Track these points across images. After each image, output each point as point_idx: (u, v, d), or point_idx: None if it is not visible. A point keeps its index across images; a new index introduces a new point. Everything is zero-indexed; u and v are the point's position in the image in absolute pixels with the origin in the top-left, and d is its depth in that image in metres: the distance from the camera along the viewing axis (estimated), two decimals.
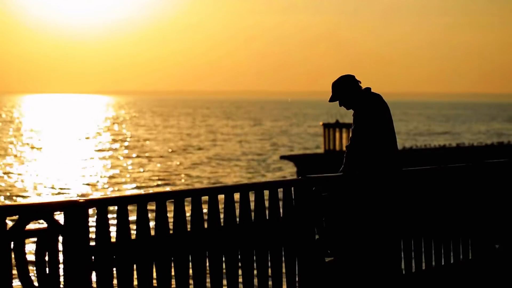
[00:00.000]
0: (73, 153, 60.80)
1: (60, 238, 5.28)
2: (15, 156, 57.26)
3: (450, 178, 8.05)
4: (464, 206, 8.16)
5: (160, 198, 5.85)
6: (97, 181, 41.66)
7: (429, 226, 7.77)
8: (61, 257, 5.28)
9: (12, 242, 5.06)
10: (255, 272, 6.43)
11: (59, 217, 5.31)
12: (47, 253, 5.20)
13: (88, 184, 40.06)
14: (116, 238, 5.58)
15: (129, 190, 38.32)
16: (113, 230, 5.54)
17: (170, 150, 64.29)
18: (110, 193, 36.66)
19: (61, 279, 5.28)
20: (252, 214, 6.47)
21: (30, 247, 5.32)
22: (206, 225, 6.13)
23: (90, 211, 5.42)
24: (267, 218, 6.56)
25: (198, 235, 6.03)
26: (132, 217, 5.57)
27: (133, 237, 5.66)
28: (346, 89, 7.30)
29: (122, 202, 5.62)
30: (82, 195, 34.72)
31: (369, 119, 7.19)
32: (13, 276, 5.08)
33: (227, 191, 6.29)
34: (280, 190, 6.69)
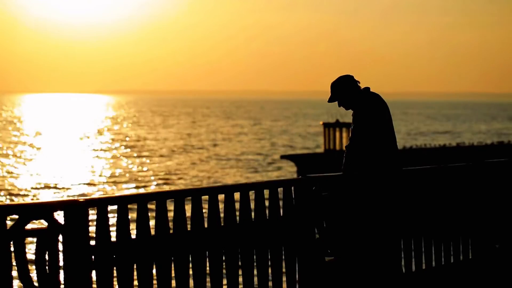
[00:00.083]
0: (73, 153, 60.80)
1: (60, 238, 5.28)
2: (15, 155, 57.25)
3: (450, 177, 8.05)
4: (464, 206, 8.16)
5: (160, 198, 5.85)
6: (97, 181, 41.66)
7: (429, 225, 7.77)
8: (61, 256, 5.27)
9: (12, 242, 5.06)
10: (255, 271, 6.43)
11: (59, 216, 5.30)
12: (47, 252, 5.20)
13: (88, 184, 40.06)
14: (116, 237, 5.58)
15: (129, 189, 38.32)
16: (113, 230, 5.54)
17: (170, 150, 64.29)
18: (109, 192, 36.65)
19: (61, 278, 5.28)
20: (252, 213, 6.47)
21: (30, 246, 5.33)
22: (206, 225, 6.13)
23: (90, 210, 5.42)
24: (267, 217, 6.56)
25: (198, 234, 6.03)
26: (132, 213, 5.57)
27: (133, 236, 5.66)
28: (345, 89, 7.30)
29: (122, 201, 5.62)
30: (82, 195, 34.71)
31: (368, 119, 7.19)
32: (13, 276, 5.08)
33: (227, 190, 6.29)
34: (280, 189, 6.69)
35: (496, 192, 8.52)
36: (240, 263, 6.34)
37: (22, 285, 5.09)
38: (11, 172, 44.89)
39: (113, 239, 5.56)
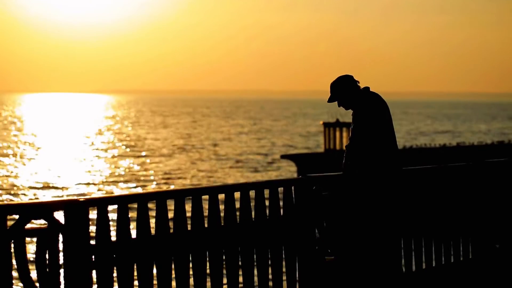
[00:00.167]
0: (73, 152, 60.80)
1: (61, 237, 5.28)
2: (15, 155, 57.25)
3: (450, 177, 8.05)
4: (464, 206, 8.16)
5: (160, 197, 5.85)
6: (97, 180, 41.66)
7: (429, 225, 7.77)
8: (61, 256, 5.27)
9: (13, 241, 5.06)
10: (255, 271, 6.43)
11: (59, 216, 5.30)
12: (47, 252, 5.20)
13: (88, 183, 40.06)
14: (117, 237, 5.58)
15: (129, 189, 38.32)
16: (113, 229, 5.54)
17: (170, 149, 64.29)
18: (109, 192, 36.65)
19: (62, 278, 5.27)
20: (253, 213, 6.47)
21: (30, 246, 5.33)
22: (206, 224, 6.13)
23: (90, 210, 5.42)
24: (268, 217, 6.56)
25: (199, 234, 6.03)
26: (133, 212, 5.57)
27: (134, 236, 5.66)
28: (344, 89, 7.30)
29: (122, 201, 5.62)
30: (82, 194, 34.71)
31: (368, 119, 7.18)
32: (14, 276, 5.07)
33: (228, 190, 6.29)
34: (281, 189, 6.69)
35: (496, 192, 8.52)
36: (240, 263, 6.34)
37: (22, 284, 5.09)
38: (11, 172, 44.88)
39: (113, 238, 5.56)
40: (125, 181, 41.29)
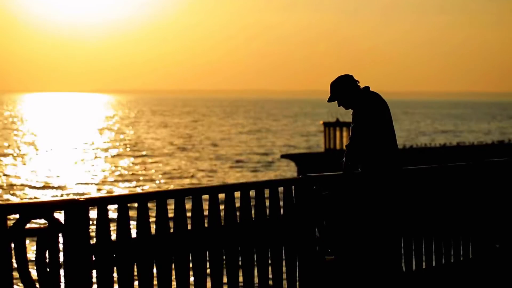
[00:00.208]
0: (73, 152, 60.79)
1: (61, 237, 5.28)
2: (16, 155, 57.25)
3: (450, 177, 8.05)
4: (464, 205, 8.16)
5: (160, 197, 5.85)
6: (97, 180, 41.66)
7: (429, 225, 7.77)
8: (61, 256, 5.27)
9: (13, 241, 5.06)
10: (256, 271, 6.43)
11: (60, 216, 5.31)
12: (47, 252, 5.20)
13: (88, 183, 40.06)
14: (117, 236, 5.58)
15: (129, 188, 38.31)
16: (113, 229, 5.54)
17: (170, 149, 64.29)
18: (109, 191, 36.65)
19: (62, 278, 5.28)
20: (253, 212, 6.47)
21: (30, 246, 5.33)
22: (206, 224, 6.13)
23: (90, 210, 5.42)
24: (268, 217, 6.56)
25: (199, 234, 6.03)
26: (133, 211, 5.57)
27: (134, 236, 5.66)
28: (344, 89, 7.29)
29: (122, 200, 5.62)
30: (82, 194, 34.71)
31: (368, 118, 7.18)
32: (14, 275, 5.07)
33: (228, 190, 6.29)
34: (281, 189, 6.69)
35: (496, 191, 8.52)
36: (240, 263, 6.34)
37: (22, 284, 5.09)
38: (12, 172, 44.89)
39: (114, 238, 5.56)
40: (125, 181, 41.30)
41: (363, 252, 7.11)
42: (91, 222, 5.38)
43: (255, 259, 6.43)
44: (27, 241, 5.16)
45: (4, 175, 43.00)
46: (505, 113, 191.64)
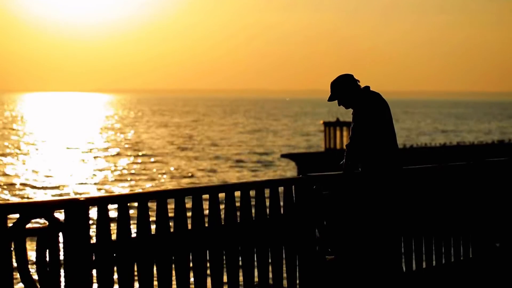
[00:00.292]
0: (73, 152, 60.80)
1: (61, 237, 5.28)
2: (16, 154, 57.25)
3: (450, 176, 8.05)
4: (464, 205, 8.16)
5: (160, 197, 5.85)
6: (98, 179, 41.66)
7: (429, 224, 7.77)
8: (61, 255, 5.27)
9: (13, 241, 5.06)
10: (256, 270, 6.42)
11: (60, 215, 5.31)
12: (47, 251, 5.20)
13: (88, 183, 40.06)
14: (117, 236, 5.58)
15: (129, 187, 38.32)
16: (113, 228, 5.54)
17: (170, 149, 64.29)
18: (110, 191, 36.66)
19: (62, 277, 5.28)
20: (253, 212, 6.46)
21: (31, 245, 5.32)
22: (206, 224, 6.13)
23: (91, 209, 5.42)
24: (268, 216, 6.55)
25: (199, 233, 6.03)
26: (133, 210, 5.57)
27: (134, 235, 5.66)
28: (344, 88, 7.29)
29: (123, 200, 5.62)
30: (83, 193, 34.71)
31: (368, 118, 7.18)
32: (14, 275, 5.08)
33: (228, 189, 6.29)
34: (281, 188, 6.68)
35: (496, 191, 8.52)
36: (240, 262, 6.34)
37: (23, 284, 5.09)
38: (12, 171, 44.89)
39: (114, 238, 5.56)
40: (125, 181, 41.30)
41: (363, 252, 7.11)
42: (91, 222, 5.38)
43: (255, 258, 6.43)
44: (28, 241, 5.16)
45: (4, 174, 43.00)
46: (505, 113, 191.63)
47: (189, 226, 6.00)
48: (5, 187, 37.59)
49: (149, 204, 5.75)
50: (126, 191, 35.28)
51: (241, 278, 6.32)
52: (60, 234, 5.26)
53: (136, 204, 5.73)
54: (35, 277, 5.15)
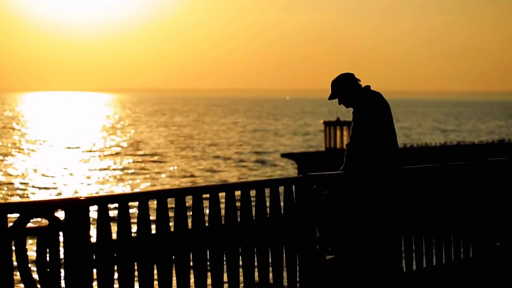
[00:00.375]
0: (73, 151, 60.80)
1: (61, 236, 5.28)
2: (16, 154, 57.26)
3: (451, 176, 8.05)
4: (465, 204, 8.16)
5: (161, 196, 5.85)
6: (98, 179, 41.66)
7: (430, 224, 7.77)
8: (62, 255, 5.27)
9: (13, 240, 5.06)
10: (256, 270, 6.42)
11: (60, 215, 5.30)
12: (48, 251, 5.20)
13: (88, 182, 40.07)
14: (117, 236, 5.58)
15: (129, 188, 38.32)
16: (114, 228, 5.54)
17: (170, 148, 64.30)
18: (110, 190, 36.66)
19: (62, 277, 5.27)
20: (253, 212, 6.46)
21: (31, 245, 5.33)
22: (207, 223, 6.12)
23: (91, 208, 5.42)
24: (268, 216, 6.55)
25: (199, 233, 6.03)
26: (133, 210, 5.57)
27: (134, 234, 5.66)
28: (345, 87, 7.29)
29: (123, 199, 5.62)
30: (83, 193, 34.71)
31: (368, 117, 7.18)
32: (14, 274, 5.08)
33: (228, 189, 6.28)
34: (281, 188, 6.68)
35: (496, 190, 8.52)
36: (241, 262, 6.34)
37: (23, 283, 5.09)
38: (12, 171, 44.89)
39: (114, 237, 5.56)
40: (125, 180, 41.30)
41: (363, 251, 7.11)
42: (91, 221, 5.38)
43: (255, 258, 6.42)
44: (28, 240, 5.16)
45: (4, 174, 43.00)
46: (505, 112, 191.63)
47: (190, 226, 6.00)
48: (5, 187, 37.59)
49: (150, 203, 5.75)
50: (126, 190, 35.32)
51: (241, 278, 6.32)
52: (61, 233, 5.26)
53: (136, 203, 5.73)
54: (36, 276, 5.15)
